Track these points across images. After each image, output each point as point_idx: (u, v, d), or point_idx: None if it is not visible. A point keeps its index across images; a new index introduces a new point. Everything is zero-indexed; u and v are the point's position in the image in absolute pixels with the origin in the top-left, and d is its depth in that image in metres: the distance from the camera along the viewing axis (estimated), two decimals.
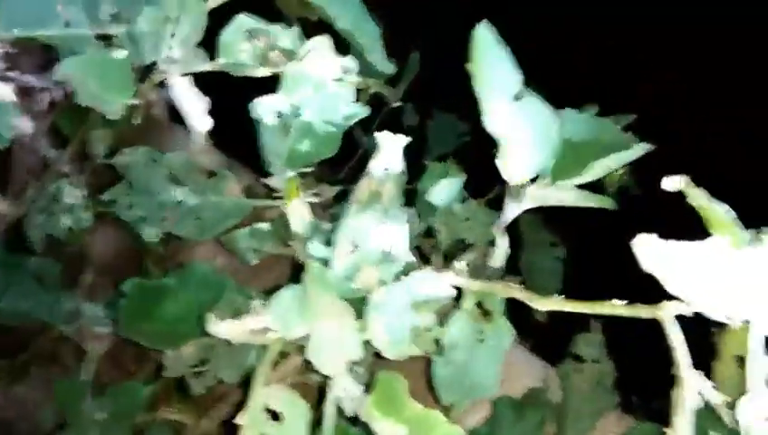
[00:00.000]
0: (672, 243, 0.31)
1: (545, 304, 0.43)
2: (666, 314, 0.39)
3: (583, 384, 0.70)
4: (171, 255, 0.87)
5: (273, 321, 0.36)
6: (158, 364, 0.80)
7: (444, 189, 0.66)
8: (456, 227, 0.69)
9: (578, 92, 0.59)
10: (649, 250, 0.30)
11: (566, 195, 0.49)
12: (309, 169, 0.73)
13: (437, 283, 0.44)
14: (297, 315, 0.37)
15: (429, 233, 0.69)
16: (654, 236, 0.32)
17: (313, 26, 0.61)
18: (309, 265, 0.39)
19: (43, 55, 0.94)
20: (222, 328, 0.36)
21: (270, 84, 0.57)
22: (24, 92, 0.60)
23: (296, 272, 0.82)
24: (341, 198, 0.73)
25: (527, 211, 1.00)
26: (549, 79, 0.54)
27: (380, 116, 1.01)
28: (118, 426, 0.55)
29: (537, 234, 0.96)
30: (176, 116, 0.92)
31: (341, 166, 1.10)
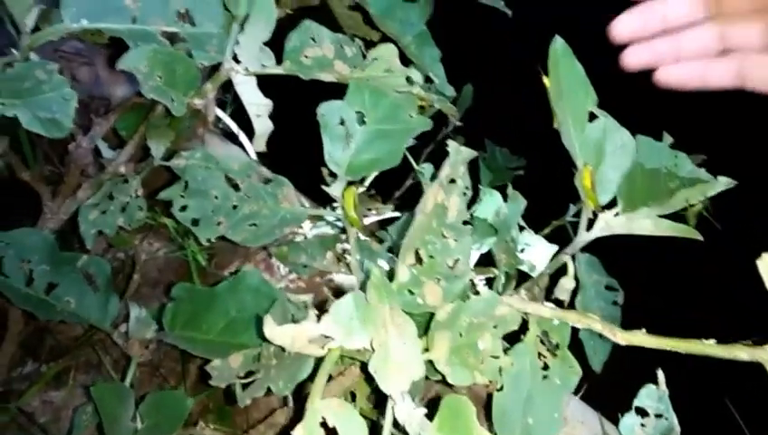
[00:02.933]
0: None
1: (628, 339, 0.39)
2: None
3: None
4: (217, 269, 0.86)
5: (333, 328, 0.34)
6: (198, 379, 0.78)
7: (506, 213, 0.63)
8: (515, 255, 0.66)
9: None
10: None
11: (645, 223, 0.46)
12: (362, 190, 0.72)
13: (505, 306, 0.41)
14: (359, 324, 0.34)
15: (483, 262, 0.66)
16: None
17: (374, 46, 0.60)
18: (372, 273, 0.36)
19: (101, 67, 0.96)
20: (279, 333, 0.34)
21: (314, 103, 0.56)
22: (81, 102, 0.59)
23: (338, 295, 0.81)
24: (388, 223, 0.71)
25: (585, 251, 0.96)
26: None
27: (430, 147, 1.00)
28: None
29: (594, 276, 0.91)
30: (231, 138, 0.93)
31: (389, 195, 1.08)
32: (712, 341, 0.38)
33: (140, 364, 0.66)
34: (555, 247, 0.72)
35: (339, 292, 0.82)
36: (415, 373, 0.34)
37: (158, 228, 0.85)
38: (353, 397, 0.54)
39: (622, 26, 0.48)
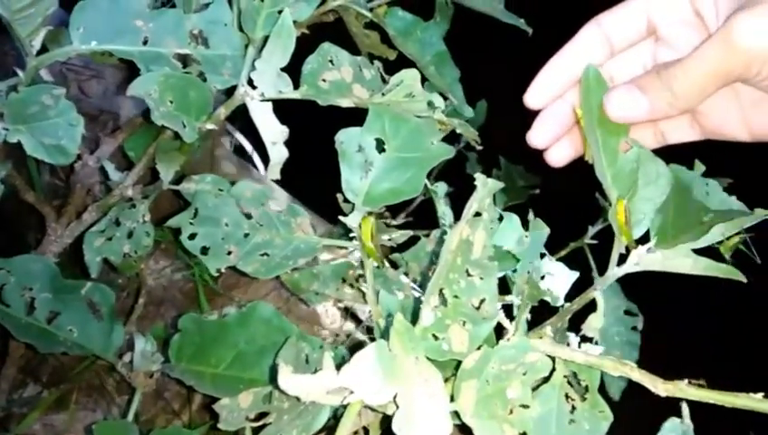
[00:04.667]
0: None
1: (671, 390, 0.36)
2: None
3: None
4: (225, 289, 0.83)
5: (354, 381, 0.31)
6: (203, 404, 0.76)
7: (528, 242, 0.60)
8: (538, 286, 0.63)
9: None
10: None
11: (682, 261, 0.43)
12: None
13: (536, 352, 0.38)
14: (382, 377, 0.32)
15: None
16: None
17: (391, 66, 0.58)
18: (395, 319, 0.34)
19: (110, 80, 0.94)
20: (295, 384, 0.32)
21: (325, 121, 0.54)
22: (89, 116, 0.58)
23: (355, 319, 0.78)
24: (405, 247, 0.68)
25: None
26: None
27: (440, 164, 0.97)
28: None
29: (614, 301, 0.88)
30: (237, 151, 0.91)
31: (400, 211, 1.06)
32: (760, 395, 0.35)
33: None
34: (576, 274, 0.69)
35: (348, 312, 0.80)
36: (442, 432, 0.32)
37: (165, 245, 0.83)
38: (366, 432, 0.52)
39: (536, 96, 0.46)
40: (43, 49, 0.48)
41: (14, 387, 0.75)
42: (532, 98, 0.45)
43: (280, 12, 0.46)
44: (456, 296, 0.40)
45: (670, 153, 0.51)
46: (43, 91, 0.42)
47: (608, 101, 0.42)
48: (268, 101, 0.47)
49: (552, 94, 0.45)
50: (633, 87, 0.41)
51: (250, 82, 0.47)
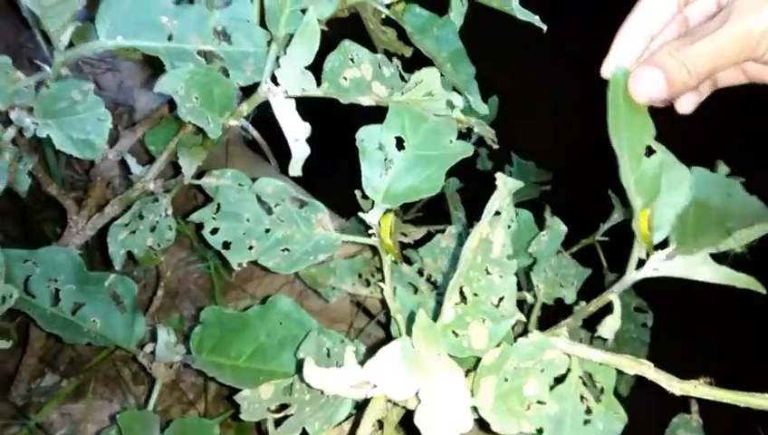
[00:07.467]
0: None
1: (686, 390, 0.37)
2: None
3: None
4: (239, 282, 0.84)
5: (378, 376, 0.32)
6: (218, 395, 0.77)
7: (546, 241, 0.61)
8: (554, 285, 0.64)
9: None
10: None
11: (701, 269, 0.43)
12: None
13: (554, 350, 0.39)
14: (405, 372, 0.32)
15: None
16: None
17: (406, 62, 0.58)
18: (417, 316, 0.34)
19: (125, 74, 0.95)
20: (320, 377, 0.32)
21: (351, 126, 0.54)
22: None
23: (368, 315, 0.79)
24: (418, 243, 0.69)
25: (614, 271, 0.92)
26: None
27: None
28: None
29: (623, 296, 0.88)
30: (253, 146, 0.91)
31: (410, 207, 1.06)
32: None
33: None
34: (589, 271, 0.70)
35: (360, 307, 0.80)
36: (464, 427, 0.33)
37: (181, 238, 0.84)
38: (380, 425, 0.52)
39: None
40: (70, 45, 0.48)
41: (33, 376, 0.76)
42: (609, 71, 0.44)
43: (303, 10, 0.47)
44: (475, 294, 0.41)
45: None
46: (73, 86, 0.43)
47: (633, 86, 0.42)
48: (291, 98, 0.47)
49: (632, 61, 0.44)
50: (653, 68, 0.41)
51: (273, 79, 0.47)
